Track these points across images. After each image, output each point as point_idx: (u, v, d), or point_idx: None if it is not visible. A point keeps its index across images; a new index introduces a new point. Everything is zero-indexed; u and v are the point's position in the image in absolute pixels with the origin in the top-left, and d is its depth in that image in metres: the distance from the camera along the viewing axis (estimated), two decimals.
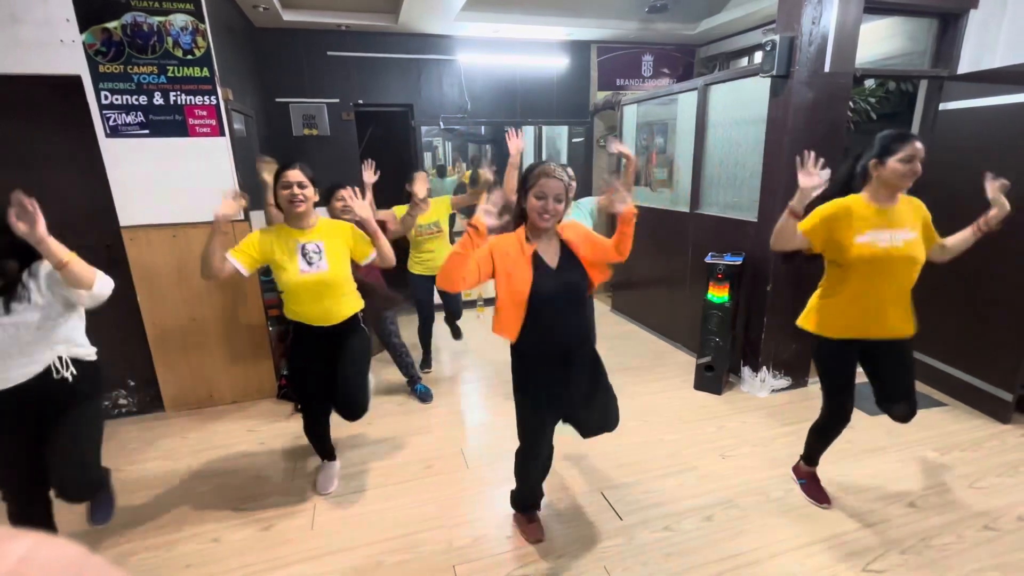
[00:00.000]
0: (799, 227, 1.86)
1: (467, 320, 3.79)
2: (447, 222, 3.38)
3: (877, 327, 1.89)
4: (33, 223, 1.42)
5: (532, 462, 1.89)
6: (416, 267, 3.39)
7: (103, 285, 1.60)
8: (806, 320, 2.03)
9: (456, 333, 3.83)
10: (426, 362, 3.68)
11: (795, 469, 2.32)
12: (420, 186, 2.81)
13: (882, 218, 1.82)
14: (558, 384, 1.75)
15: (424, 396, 3.20)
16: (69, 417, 1.66)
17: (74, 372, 1.64)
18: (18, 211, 1.41)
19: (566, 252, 1.73)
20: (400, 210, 3.26)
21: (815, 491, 2.19)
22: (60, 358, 1.61)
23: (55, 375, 1.60)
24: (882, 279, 1.83)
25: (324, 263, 1.99)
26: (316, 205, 2.06)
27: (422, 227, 3.26)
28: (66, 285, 1.53)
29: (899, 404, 2.00)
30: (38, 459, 1.67)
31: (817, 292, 2.03)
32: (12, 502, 1.69)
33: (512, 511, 2.11)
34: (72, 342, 1.65)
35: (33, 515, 1.74)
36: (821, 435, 2.14)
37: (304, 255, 1.98)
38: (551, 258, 1.71)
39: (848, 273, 1.86)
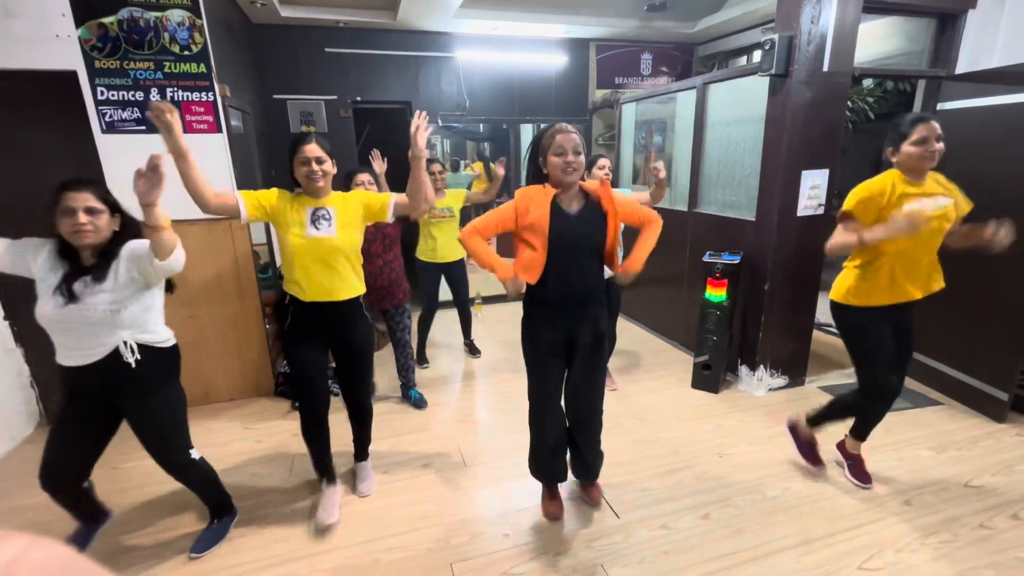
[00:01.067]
0: (845, 208, 1.91)
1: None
2: (459, 210, 3.41)
3: (920, 287, 1.95)
4: (156, 187, 1.51)
5: (543, 417, 1.95)
6: (424, 254, 3.43)
7: (180, 255, 1.69)
8: (846, 294, 2.02)
9: (473, 350, 3.82)
10: (421, 357, 3.65)
11: (792, 426, 2.39)
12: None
13: (919, 189, 1.86)
14: (562, 331, 1.82)
15: (419, 403, 3.07)
16: (143, 404, 1.72)
17: (139, 358, 1.66)
18: (149, 172, 1.47)
19: (590, 204, 1.78)
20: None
21: (809, 455, 2.31)
22: (126, 343, 1.64)
23: (122, 359, 1.63)
24: (926, 242, 1.87)
25: (332, 228, 1.92)
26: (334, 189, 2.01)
27: (435, 209, 3.30)
28: (152, 251, 1.59)
29: (899, 375, 2.07)
30: (94, 450, 1.79)
31: (853, 265, 2.01)
32: (49, 487, 1.75)
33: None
34: (141, 327, 1.68)
35: (67, 505, 1.84)
36: (846, 410, 2.19)
37: (313, 220, 1.92)
38: (571, 207, 1.76)
39: (892, 242, 1.86)
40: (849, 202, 1.92)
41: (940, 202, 1.86)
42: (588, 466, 2.11)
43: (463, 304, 3.68)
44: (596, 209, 1.78)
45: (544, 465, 2.07)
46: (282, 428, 2.85)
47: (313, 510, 2.17)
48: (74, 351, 1.61)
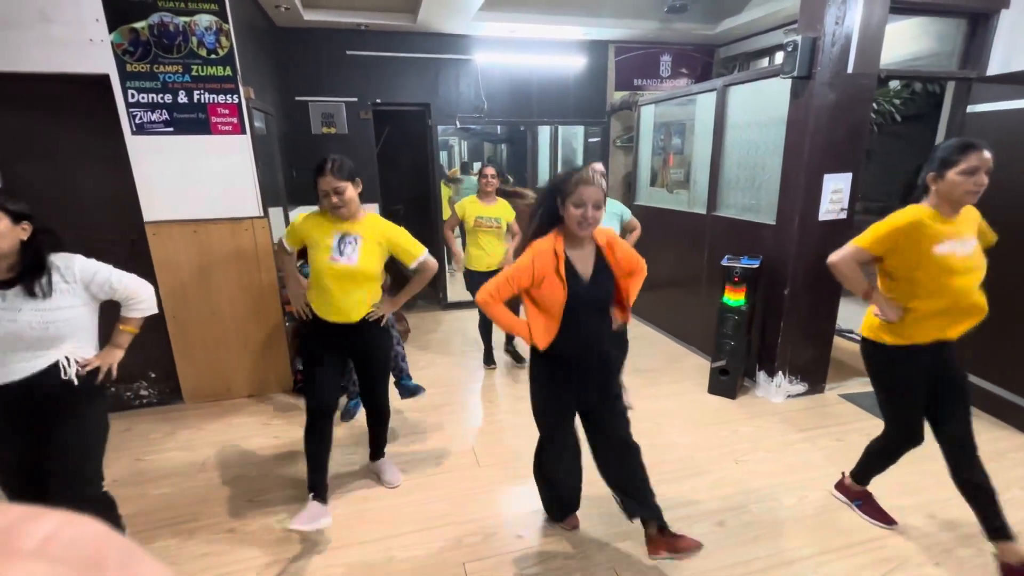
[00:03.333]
0: (857, 243, 1.79)
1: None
2: (505, 223, 3.42)
3: (953, 329, 1.77)
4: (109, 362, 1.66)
5: (550, 457, 1.89)
6: (472, 263, 3.43)
7: (152, 304, 1.76)
8: (878, 330, 1.84)
9: (517, 358, 3.74)
10: (489, 358, 3.65)
11: (842, 488, 2.17)
12: None
13: (951, 228, 1.68)
14: (572, 381, 1.77)
15: (414, 389, 2.90)
16: (69, 425, 1.58)
17: (79, 373, 1.56)
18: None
19: (600, 261, 1.72)
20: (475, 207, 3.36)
21: (875, 511, 2.06)
22: (67, 357, 1.55)
23: (61, 375, 1.53)
24: (956, 291, 1.71)
25: (355, 256, 1.96)
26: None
27: (483, 218, 3.32)
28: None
29: (962, 420, 1.84)
30: (41, 462, 1.60)
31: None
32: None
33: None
34: (83, 341, 1.60)
35: None
36: (884, 457, 2.00)
37: (340, 244, 1.96)
38: (584, 267, 1.70)
39: (919, 287, 1.72)
40: (865, 238, 1.76)
41: (968, 247, 1.70)
42: (649, 506, 1.81)
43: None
44: (605, 264, 1.73)
45: (554, 497, 2.03)
46: (300, 425, 2.85)
47: (327, 506, 2.20)
48: None
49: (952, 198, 1.65)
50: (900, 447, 1.94)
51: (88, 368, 1.59)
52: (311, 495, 2.03)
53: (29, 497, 1.63)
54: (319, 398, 2.08)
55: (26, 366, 1.49)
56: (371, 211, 2.15)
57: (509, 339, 3.76)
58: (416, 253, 2.06)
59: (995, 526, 1.73)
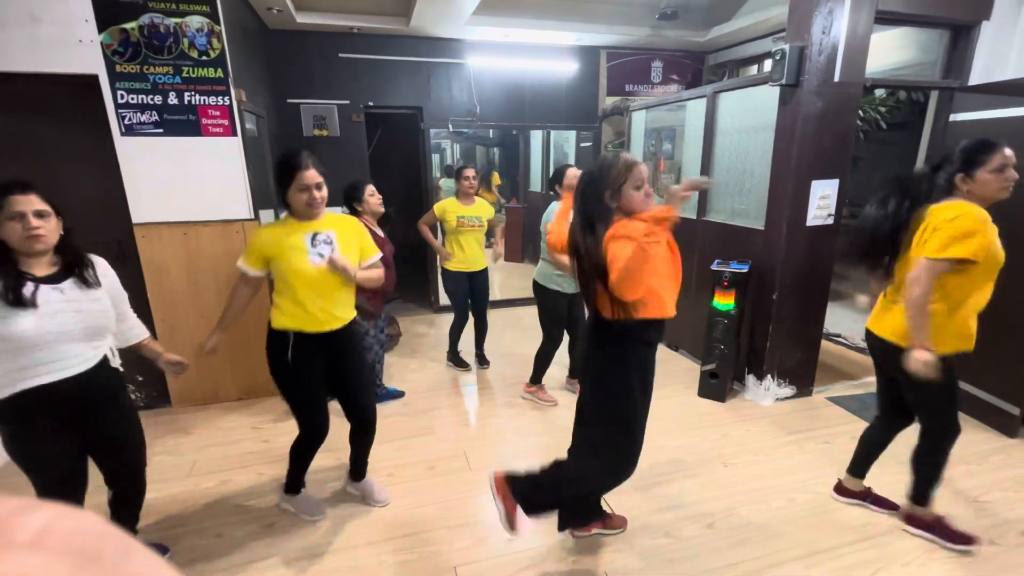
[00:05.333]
0: (949, 254, 1.64)
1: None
2: (486, 221, 3.43)
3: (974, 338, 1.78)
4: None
5: (633, 462, 1.79)
6: (450, 263, 3.41)
7: (136, 335, 1.80)
8: (943, 343, 1.75)
9: (482, 361, 3.75)
10: (459, 361, 3.70)
11: (911, 520, 2.00)
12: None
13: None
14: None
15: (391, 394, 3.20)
16: (122, 419, 1.65)
17: (120, 363, 1.63)
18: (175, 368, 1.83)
19: None
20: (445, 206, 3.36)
21: (953, 533, 1.92)
22: (111, 349, 1.60)
23: (109, 364, 1.58)
24: (992, 284, 1.74)
25: (336, 254, 1.84)
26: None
27: (464, 218, 3.31)
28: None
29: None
30: (85, 463, 1.63)
31: (937, 308, 1.74)
32: None
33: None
34: (112, 332, 1.64)
35: None
36: (936, 461, 1.92)
37: (315, 246, 1.82)
38: None
39: (976, 281, 1.70)
40: (968, 248, 1.61)
41: (998, 242, 1.69)
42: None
43: (481, 315, 3.63)
44: None
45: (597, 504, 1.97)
46: (290, 428, 2.84)
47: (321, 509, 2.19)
48: (46, 366, 1.44)
49: (985, 195, 1.69)
50: (949, 444, 1.89)
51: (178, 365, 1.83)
52: (304, 489, 2.20)
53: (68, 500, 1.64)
54: (317, 428, 2.04)
55: (80, 359, 1.50)
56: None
57: (479, 344, 3.73)
58: (371, 253, 2.01)
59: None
